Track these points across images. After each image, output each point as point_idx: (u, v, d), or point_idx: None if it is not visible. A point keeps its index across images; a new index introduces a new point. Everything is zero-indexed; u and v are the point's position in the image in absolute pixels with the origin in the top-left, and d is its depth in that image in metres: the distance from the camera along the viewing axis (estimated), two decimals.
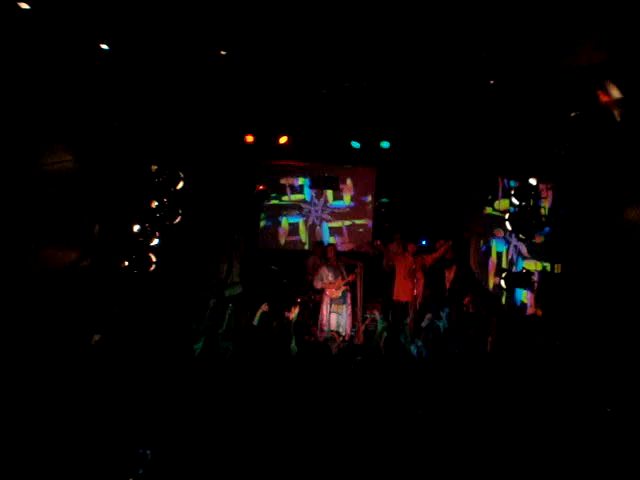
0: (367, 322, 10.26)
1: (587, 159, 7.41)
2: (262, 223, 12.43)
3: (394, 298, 10.41)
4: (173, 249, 10.01)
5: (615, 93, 6.70)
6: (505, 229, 9.09)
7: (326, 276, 10.35)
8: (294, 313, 8.24)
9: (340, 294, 10.35)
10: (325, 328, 10.13)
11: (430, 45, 7.10)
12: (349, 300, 10.46)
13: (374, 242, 11.13)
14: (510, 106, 8.27)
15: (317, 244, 11.75)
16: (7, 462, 4.26)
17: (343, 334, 10.12)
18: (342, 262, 10.50)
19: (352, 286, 10.49)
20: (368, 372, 5.60)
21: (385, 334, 7.17)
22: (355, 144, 10.91)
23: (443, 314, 8.79)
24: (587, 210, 7.57)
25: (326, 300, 10.36)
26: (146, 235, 9.38)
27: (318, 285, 10.42)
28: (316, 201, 12.40)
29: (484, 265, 10.99)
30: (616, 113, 6.58)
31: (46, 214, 7.58)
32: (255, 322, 8.70)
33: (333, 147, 10.97)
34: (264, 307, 9.08)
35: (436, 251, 10.49)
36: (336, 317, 10.28)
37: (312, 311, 10.57)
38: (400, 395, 5.17)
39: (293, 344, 8.00)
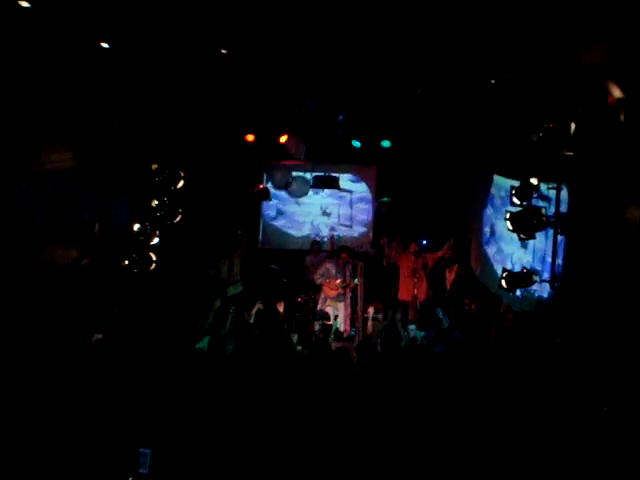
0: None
1: (589, 158, 7.39)
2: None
3: (399, 298, 10.43)
4: (173, 248, 10.01)
5: (617, 93, 6.69)
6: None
7: (328, 272, 10.32)
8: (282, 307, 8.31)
9: (336, 295, 10.35)
10: (317, 324, 10.13)
11: (432, 44, 7.09)
12: (348, 300, 10.45)
13: (381, 240, 11.15)
14: (511, 105, 8.26)
15: (315, 243, 11.73)
16: (8, 462, 4.25)
17: (341, 330, 10.13)
18: (349, 264, 10.47)
19: (352, 289, 10.49)
20: (369, 370, 5.60)
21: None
22: (356, 143, 10.89)
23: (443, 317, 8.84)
24: (589, 209, 7.56)
25: (322, 296, 10.37)
26: (146, 234, 9.38)
27: (318, 280, 10.40)
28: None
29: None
30: (619, 113, 6.57)
31: (46, 212, 7.58)
32: (251, 320, 8.76)
33: (334, 146, 10.96)
34: (259, 305, 9.18)
35: (438, 250, 10.52)
36: (332, 310, 10.26)
37: (312, 309, 10.55)
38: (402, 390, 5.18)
39: (295, 337, 8.02)
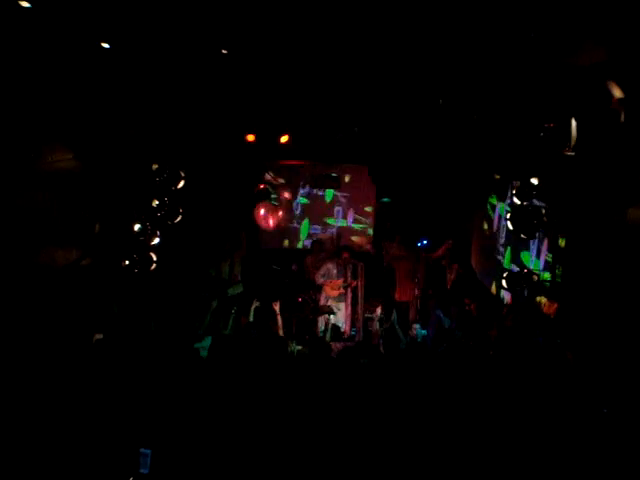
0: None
1: (589, 158, 7.39)
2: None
3: (396, 299, 10.42)
4: (174, 248, 10.00)
5: (617, 93, 6.68)
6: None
7: (329, 272, 10.33)
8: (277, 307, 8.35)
9: (337, 295, 10.35)
10: (320, 324, 10.12)
11: (432, 43, 7.08)
12: (349, 300, 10.46)
13: (382, 241, 11.16)
14: (512, 105, 8.25)
15: (316, 242, 11.74)
16: (7, 462, 4.25)
17: (342, 330, 10.14)
18: (350, 264, 10.47)
19: (352, 289, 10.48)
20: (372, 372, 5.60)
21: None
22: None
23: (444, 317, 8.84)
24: (589, 209, 7.56)
25: (324, 295, 10.37)
26: (147, 234, 9.38)
27: (319, 280, 10.40)
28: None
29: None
30: (619, 113, 6.57)
31: (46, 213, 7.58)
32: (251, 318, 8.77)
33: (333, 146, 10.94)
34: (255, 303, 9.19)
35: (436, 251, 10.52)
36: (334, 308, 10.27)
37: (313, 309, 10.55)
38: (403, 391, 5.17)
39: (294, 345, 8.01)
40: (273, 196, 11.81)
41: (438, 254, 10.47)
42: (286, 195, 11.64)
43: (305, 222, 12.42)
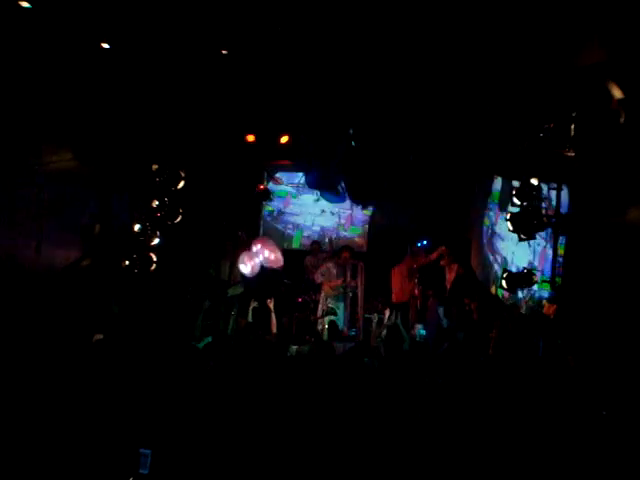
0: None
1: (590, 158, 7.39)
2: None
3: (393, 300, 10.38)
4: (174, 249, 10.00)
5: (617, 93, 6.68)
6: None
7: (329, 271, 10.32)
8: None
9: (336, 294, 10.34)
10: (320, 324, 10.12)
11: (431, 44, 7.09)
12: (348, 301, 10.45)
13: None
14: (512, 105, 8.25)
15: (315, 243, 11.74)
16: (7, 462, 4.25)
17: (341, 328, 10.13)
18: (350, 264, 10.46)
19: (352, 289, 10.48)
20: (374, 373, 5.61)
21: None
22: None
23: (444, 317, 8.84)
24: (589, 210, 7.55)
25: (323, 294, 10.37)
26: (147, 234, 9.38)
27: (318, 279, 10.40)
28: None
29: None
30: (620, 113, 6.56)
31: (46, 212, 7.57)
32: (249, 319, 8.78)
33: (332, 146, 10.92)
34: (253, 303, 9.20)
35: (429, 255, 10.51)
36: (333, 306, 10.27)
37: (313, 309, 10.55)
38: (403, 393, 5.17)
39: (290, 346, 8.01)
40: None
41: (430, 259, 10.45)
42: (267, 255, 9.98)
43: (297, 233, 12.47)
